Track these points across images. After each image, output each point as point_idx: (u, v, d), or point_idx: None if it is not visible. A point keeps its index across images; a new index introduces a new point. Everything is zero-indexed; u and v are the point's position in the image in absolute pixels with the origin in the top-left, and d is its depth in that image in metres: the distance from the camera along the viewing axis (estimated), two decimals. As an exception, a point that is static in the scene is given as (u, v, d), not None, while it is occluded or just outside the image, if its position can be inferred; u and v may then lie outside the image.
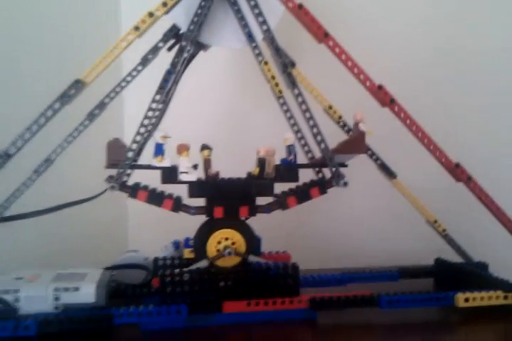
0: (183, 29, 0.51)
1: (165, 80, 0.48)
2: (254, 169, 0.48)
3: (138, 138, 0.47)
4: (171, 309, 0.45)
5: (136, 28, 0.45)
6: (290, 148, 0.51)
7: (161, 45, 0.52)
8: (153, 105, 0.48)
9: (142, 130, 0.48)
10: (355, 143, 0.50)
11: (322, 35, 0.49)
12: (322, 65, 0.59)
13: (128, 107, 0.77)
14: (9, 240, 0.60)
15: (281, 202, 0.49)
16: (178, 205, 0.47)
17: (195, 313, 0.46)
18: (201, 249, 0.49)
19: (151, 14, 0.45)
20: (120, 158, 0.48)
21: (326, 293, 0.48)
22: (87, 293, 0.45)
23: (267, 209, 0.49)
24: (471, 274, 0.55)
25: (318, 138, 0.49)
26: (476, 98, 0.78)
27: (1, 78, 0.60)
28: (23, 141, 0.45)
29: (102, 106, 0.50)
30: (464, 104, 0.78)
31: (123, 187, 0.47)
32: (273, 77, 0.51)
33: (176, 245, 0.57)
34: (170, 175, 0.47)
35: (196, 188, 0.48)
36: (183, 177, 0.47)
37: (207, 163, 0.49)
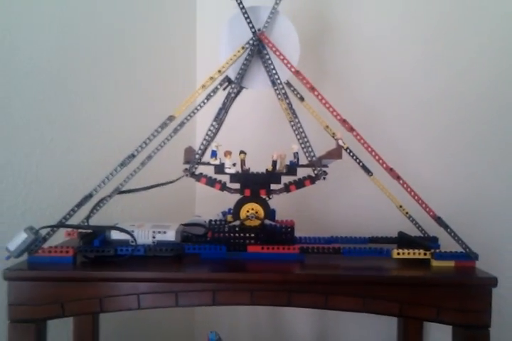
0: (232, 78, 0.82)
1: (218, 112, 0.80)
2: (269, 167, 0.79)
3: (202, 146, 0.79)
4: (216, 247, 0.77)
5: (203, 86, 0.77)
6: (295, 154, 0.81)
7: (218, 87, 0.83)
8: (211, 127, 0.79)
9: (204, 142, 0.79)
10: (335, 152, 0.79)
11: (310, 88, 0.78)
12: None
13: (198, 126, 1.14)
14: (125, 204, 0.97)
15: (286, 188, 0.80)
16: (223, 187, 0.79)
17: (230, 251, 0.77)
18: (236, 215, 0.79)
19: (211, 78, 0.77)
20: (191, 158, 0.80)
21: (311, 245, 0.79)
22: (170, 235, 0.77)
23: (277, 191, 0.80)
24: (415, 242, 0.81)
25: (310, 151, 0.79)
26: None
27: (117, 112, 0.97)
28: (141, 148, 0.78)
29: (182, 124, 0.82)
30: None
31: (193, 175, 0.79)
32: (286, 109, 0.81)
33: (224, 213, 0.88)
34: (219, 169, 0.79)
35: (235, 177, 0.79)
36: (227, 170, 0.79)
37: (242, 162, 0.80)
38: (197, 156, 0.78)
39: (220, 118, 0.80)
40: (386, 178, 0.78)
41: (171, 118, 0.77)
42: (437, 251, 0.74)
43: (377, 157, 0.75)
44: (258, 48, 0.79)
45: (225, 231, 0.77)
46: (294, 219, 0.89)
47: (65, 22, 0.91)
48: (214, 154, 0.78)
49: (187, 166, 0.79)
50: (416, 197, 0.75)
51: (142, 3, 1.11)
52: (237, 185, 0.79)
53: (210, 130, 0.79)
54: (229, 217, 0.82)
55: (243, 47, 0.78)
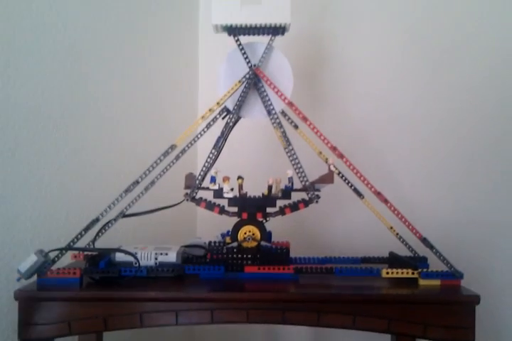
0: (230, 108, 0.88)
1: (217, 140, 0.85)
2: (265, 191, 0.84)
3: (202, 172, 0.84)
4: (215, 268, 0.81)
5: (203, 117, 0.82)
6: (289, 179, 0.86)
7: (217, 117, 0.89)
8: (210, 154, 0.84)
9: (204, 168, 0.84)
10: (327, 177, 0.84)
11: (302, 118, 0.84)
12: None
13: (200, 153, 1.20)
14: (129, 227, 1.02)
15: (281, 211, 0.84)
16: (222, 210, 0.84)
17: (228, 271, 0.81)
18: (235, 237, 0.84)
19: (210, 109, 0.82)
20: (192, 183, 0.85)
21: (305, 265, 0.83)
22: (172, 256, 0.81)
23: (273, 214, 0.85)
24: (404, 261, 0.86)
25: (304, 176, 0.84)
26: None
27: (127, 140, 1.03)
28: (145, 175, 0.83)
29: (183, 151, 0.87)
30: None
31: (193, 199, 0.84)
32: (280, 137, 0.86)
33: (222, 235, 0.92)
34: (218, 194, 0.84)
35: (232, 201, 0.84)
36: (225, 195, 0.84)
37: (240, 187, 0.85)
38: (197, 182, 0.83)
39: (218, 146, 0.85)
40: (377, 200, 0.83)
41: (172, 147, 0.82)
42: (424, 270, 0.78)
43: (365, 181, 0.80)
44: (254, 81, 0.85)
45: (224, 252, 0.81)
46: (289, 240, 0.93)
47: (64, 59, 0.98)
48: (213, 180, 0.83)
49: (188, 191, 0.84)
50: (403, 220, 0.80)
51: (148, 39, 1.19)
52: (235, 209, 0.84)
53: (209, 157, 0.84)
54: (227, 239, 0.87)
55: (240, 81, 0.84)
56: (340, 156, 0.81)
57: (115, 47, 1.09)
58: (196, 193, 0.84)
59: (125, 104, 1.11)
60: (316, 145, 0.83)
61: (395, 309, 0.72)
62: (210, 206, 0.83)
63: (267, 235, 0.84)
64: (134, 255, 0.79)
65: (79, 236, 0.78)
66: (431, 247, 0.79)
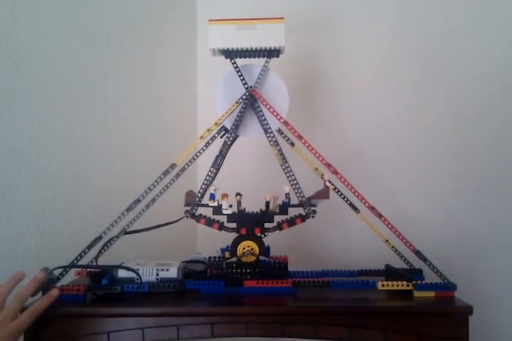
0: (228, 127, 0.91)
1: (216, 159, 0.88)
2: (263, 207, 0.87)
3: (201, 190, 0.87)
4: (215, 283, 0.83)
5: (201, 137, 0.85)
6: (286, 195, 0.88)
7: (216, 135, 0.92)
8: (209, 172, 0.87)
9: (203, 186, 0.87)
10: (323, 193, 0.86)
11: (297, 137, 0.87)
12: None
13: (199, 171, 1.24)
14: (131, 243, 1.04)
15: (279, 226, 0.87)
16: (221, 227, 0.86)
17: (228, 286, 0.83)
18: (234, 252, 0.86)
19: (209, 130, 0.86)
20: (192, 200, 0.88)
21: (303, 279, 0.85)
22: (173, 272, 0.83)
23: (271, 229, 0.87)
24: (400, 274, 0.88)
25: (300, 192, 0.86)
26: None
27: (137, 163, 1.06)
28: (146, 193, 0.85)
29: (183, 170, 0.90)
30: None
31: (193, 216, 0.87)
32: (277, 155, 0.89)
33: (222, 250, 0.94)
34: (217, 210, 0.86)
35: (231, 218, 0.86)
36: (224, 211, 0.86)
37: (238, 203, 0.87)
38: (196, 199, 0.86)
39: (217, 164, 0.88)
40: (373, 215, 0.85)
41: (172, 166, 0.85)
42: (419, 282, 0.80)
43: (360, 197, 0.83)
44: (251, 102, 0.88)
45: (223, 267, 0.83)
46: (287, 254, 0.95)
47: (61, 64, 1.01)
48: (212, 197, 0.86)
49: (188, 208, 0.86)
50: (397, 233, 0.82)
51: (149, 61, 1.23)
52: (234, 225, 0.87)
53: (208, 175, 0.87)
54: (227, 254, 0.89)
55: (237, 102, 0.87)
56: (335, 173, 0.84)
57: (115, 67, 1.13)
58: (196, 210, 0.86)
59: (125, 124, 1.15)
60: (312, 161, 0.86)
61: (391, 321, 0.74)
62: (209, 222, 0.86)
63: (265, 250, 0.86)
64: (136, 271, 0.81)
65: (82, 253, 0.80)
66: (424, 260, 0.81)
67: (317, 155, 0.84)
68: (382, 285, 0.81)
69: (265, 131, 0.88)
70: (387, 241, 0.88)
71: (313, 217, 0.84)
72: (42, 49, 0.93)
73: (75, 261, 0.80)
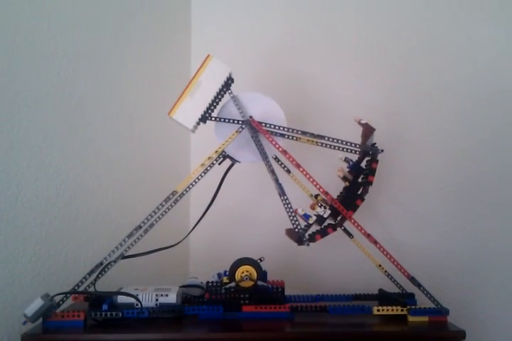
0: (228, 153, 0.93)
1: (279, 186, 0.87)
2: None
3: (295, 218, 0.85)
4: (214, 308, 0.85)
5: (202, 165, 0.88)
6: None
7: (214, 162, 0.94)
8: (286, 201, 0.85)
9: (291, 214, 0.85)
10: (367, 130, 0.90)
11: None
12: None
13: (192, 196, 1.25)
14: (124, 269, 1.04)
15: (311, 238, 0.86)
16: (334, 228, 0.87)
17: (227, 311, 0.84)
18: (232, 276, 0.88)
19: (209, 158, 0.88)
20: (296, 233, 0.88)
21: (300, 304, 0.87)
22: (172, 298, 0.84)
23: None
24: (393, 298, 0.90)
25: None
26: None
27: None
28: (147, 220, 0.87)
29: (182, 195, 0.91)
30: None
31: (310, 240, 0.88)
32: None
33: (219, 275, 0.95)
34: (321, 220, 0.88)
35: (333, 212, 0.87)
36: (325, 216, 0.87)
37: (324, 201, 0.87)
38: (300, 228, 0.87)
39: (284, 191, 0.88)
40: (366, 240, 0.88)
41: (174, 193, 0.86)
42: (413, 307, 0.83)
43: (356, 224, 0.86)
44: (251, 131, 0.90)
45: (222, 292, 0.85)
46: (283, 279, 0.97)
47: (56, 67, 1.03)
48: (307, 216, 0.87)
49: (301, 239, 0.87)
50: (392, 259, 0.85)
51: (145, 85, 1.25)
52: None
53: (286, 203, 0.87)
54: (225, 279, 0.90)
55: (237, 131, 0.90)
56: (332, 200, 0.87)
57: (110, 90, 1.15)
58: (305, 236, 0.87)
59: (121, 150, 1.16)
60: (307, 188, 0.89)
61: (386, 345, 0.76)
62: (323, 233, 0.87)
63: (262, 274, 0.88)
64: (136, 297, 0.82)
65: (83, 280, 0.81)
66: (418, 285, 0.84)
67: (315, 183, 0.87)
68: (378, 310, 0.84)
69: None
70: (380, 265, 0.90)
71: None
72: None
73: (76, 287, 0.80)
